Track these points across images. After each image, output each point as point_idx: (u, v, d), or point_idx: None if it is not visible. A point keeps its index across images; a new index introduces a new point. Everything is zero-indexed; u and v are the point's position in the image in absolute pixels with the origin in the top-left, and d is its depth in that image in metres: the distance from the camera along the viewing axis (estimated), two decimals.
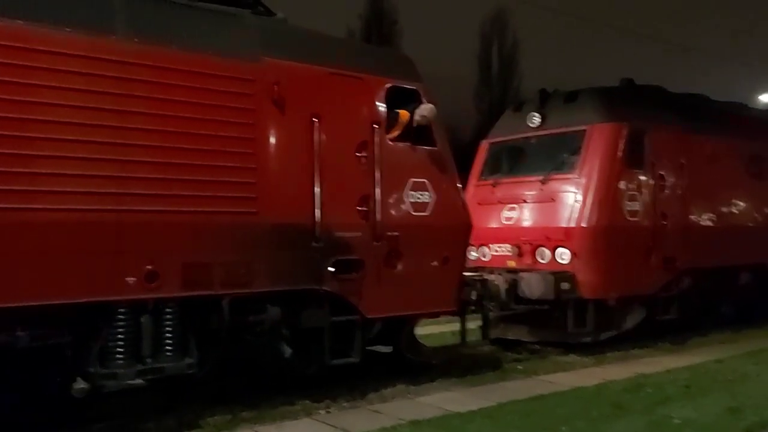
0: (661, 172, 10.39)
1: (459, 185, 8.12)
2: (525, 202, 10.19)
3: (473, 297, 8.28)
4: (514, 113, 11.41)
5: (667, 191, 10.47)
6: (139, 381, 6.29)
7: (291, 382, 7.19)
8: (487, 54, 37.94)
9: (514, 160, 10.97)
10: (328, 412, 6.64)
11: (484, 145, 11.50)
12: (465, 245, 8.04)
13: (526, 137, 10.79)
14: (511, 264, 10.09)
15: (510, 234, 10.22)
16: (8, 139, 5.27)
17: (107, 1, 5.93)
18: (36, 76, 5.43)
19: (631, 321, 10.25)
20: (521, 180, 10.45)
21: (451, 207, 7.79)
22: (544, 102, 10.81)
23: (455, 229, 7.77)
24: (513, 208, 10.30)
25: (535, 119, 10.61)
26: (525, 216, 10.20)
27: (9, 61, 5.32)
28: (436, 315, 8.13)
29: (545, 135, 10.54)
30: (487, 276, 8.94)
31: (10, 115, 5.30)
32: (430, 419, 6.31)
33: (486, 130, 12.80)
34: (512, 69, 37.75)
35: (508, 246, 10.23)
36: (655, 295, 10.30)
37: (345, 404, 6.89)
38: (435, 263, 7.53)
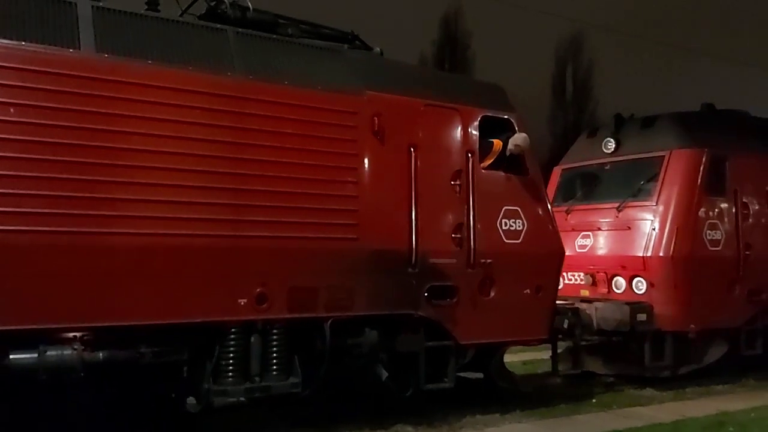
0: (745, 200, 10.80)
1: (551, 213, 8.84)
2: (599, 229, 10.76)
3: (565, 326, 8.95)
4: (588, 138, 12.00)
5: (751, 220, 10.83)
6: (242, 398, 7.14)
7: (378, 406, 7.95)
8: (561, 78, 38.88)
9: (588, 187, 11.53)
10: None
11: (556, 171, 12.12)
12: (557, 273, 8.76)
13: (601, 163, 11.36)
14: (585, 293, 10.65)
15: (584, 262, 10.77)
16: (136, 170, 6.21)
17: (225, 41, 6.93)
18: (164, 111, 6.39)
19: (713, 355, 10.62)
20: (595, 207, 11.00)
21: (544, 235, 8.54)
22: (619, 127, 11.38)
23: (547, 257, 8.52)
24: (587, 236, 10.87)
25: (610, 145, 11.18)
26: (599, 244, 10.76)
27: (143, 98, 6.30)
28: (527, 343, 8.87)
29: (621, 161, 11.07)
30: (579, 305, 9.56)
31: (138, 147, 6.24)
32: None
33: (560, 154, 13.42)
34: (587, 93, 38.57)
35: (581, 274, 10.80)
36: (738, 328, 10.67)
37: (410, 429, 7.57)
38: (527, 291, 8.27)
